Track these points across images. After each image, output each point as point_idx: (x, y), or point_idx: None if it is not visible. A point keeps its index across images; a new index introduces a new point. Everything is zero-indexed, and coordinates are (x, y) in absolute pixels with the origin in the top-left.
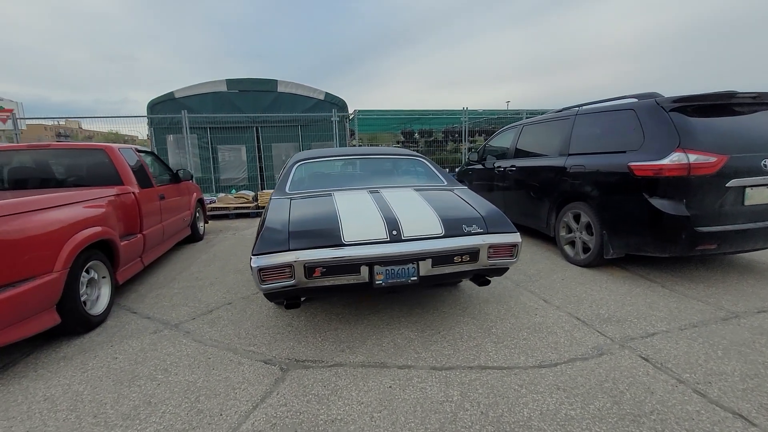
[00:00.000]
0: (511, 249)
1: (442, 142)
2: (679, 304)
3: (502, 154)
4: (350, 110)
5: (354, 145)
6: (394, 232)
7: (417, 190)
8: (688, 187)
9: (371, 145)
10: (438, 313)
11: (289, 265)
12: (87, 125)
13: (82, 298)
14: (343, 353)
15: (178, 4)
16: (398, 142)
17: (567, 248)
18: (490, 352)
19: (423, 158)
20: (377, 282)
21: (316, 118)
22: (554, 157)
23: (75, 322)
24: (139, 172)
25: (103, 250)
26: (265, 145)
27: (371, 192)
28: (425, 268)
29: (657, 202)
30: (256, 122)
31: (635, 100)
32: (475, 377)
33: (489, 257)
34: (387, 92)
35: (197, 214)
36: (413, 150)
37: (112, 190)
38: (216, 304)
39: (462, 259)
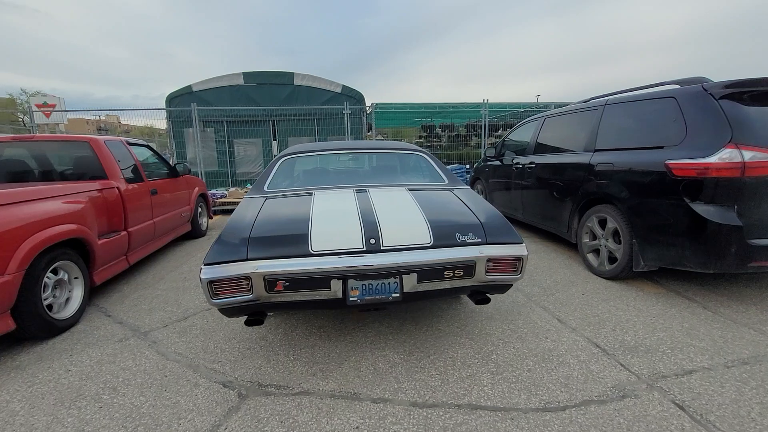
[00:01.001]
0: (515, 263)
1: (466, 137)
2: (725, 332)
3: (521, 150)
4: (368, 103)
5: (370, 139)
6: (372, 241)
7: (411, 189)
8: (740, 191)
9: (394, 140)
10: (432, 331)
11: (247, 277)
12: (125, 120)
13: (47, 302)
14: (314, 378)
15: (212, 3)
16: (420, 137)
17: (590, 257)
18: (485, 386)
19: (423, 153)
20: (351, 298)
21: (333, 112)
22: (578, 154)
23: (35, 327)
24: (128, 165)
25: (76, 249)
26: (281, 138)
27: (358, 191)
28: (410, 283)
29: (700, 208)
30: (272, 115)
31: (677, 86)
32: (462, 420)
33: (487, 272)
34: (413, 86)
35: (199, 210)
36: (436, 145)
37: (93, 185)
38: (194, 310)
39: (454, 273)
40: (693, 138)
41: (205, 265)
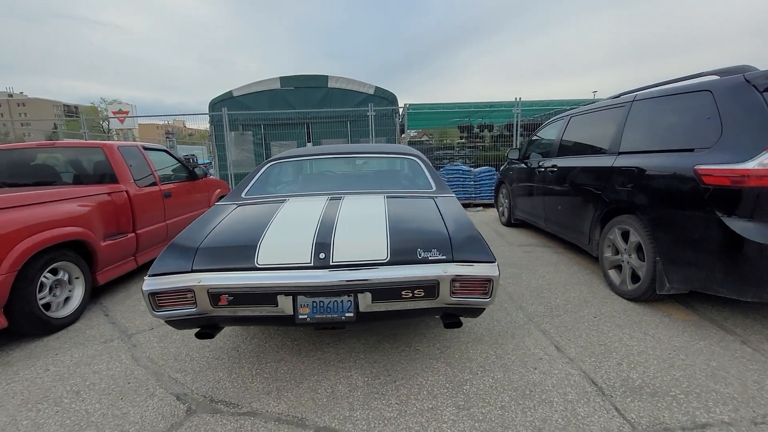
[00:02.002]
0: (484, 285)
1: (508, 137)
2: (764, 377)
3: (546, 152)
4: (401, 104)
5: (403, 142)
6: (322, 255)
7: (391, 197)
8: None
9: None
10: (409, 351)
11: (190, 290)
12: (190, 124)
13: (45, 300)
14: (267, 397)
15: (270, 12)
16: (461, 138)
17: (612, 273)
18: (444, 423)
19: (416, 158)
20: (301, 316)
21: (365, 114)
22: (601, 156)
23: (29, 325)
24: (141, 170)
25: (78, 250)
26: (315, 140)
27: (332, 199)
28: (365, 303)
29: (736, 224)
30: (306, 118)
31: (716, 77)
32: None
33: (453, 293)
34: (461, 86)
35: None
36: (479, 146)
37: (101, 189)
38: None
39: (414, 294)
40: (729, 139)
41: (148, 276)
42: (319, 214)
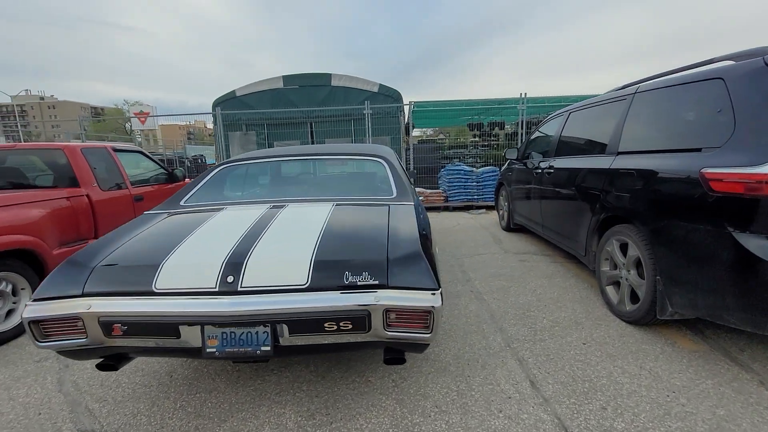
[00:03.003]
0: (423, 317)
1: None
2: None
3: (545, 151)
4: (406, 102)
5: (406, 142)
6: (230, 279)
7: (340, 205)
8: None
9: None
10: (359, 383)
11: (77, 318)
12: (210, 124)
13: None
14: None
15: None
16: (474, 136)
17: (609, 290)
18: None
19: (382, 159)
20: (209, 349)
21: (372, 112)
22: (599, 157)
23: None
24: (107, 173)
25: (26, 259)
26: (318, 140)
27: (274, 207)
28: (284, 334)
29: (751, 242)
30: (309, 117)
31: (730, 62)
32: None
33: (388, 326)
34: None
35: None
36: (493, 144)
37: (58, 193)
38: None
39: (340, 326)
40: (744, 136)
41: (31, 300)
42: (246, 228)
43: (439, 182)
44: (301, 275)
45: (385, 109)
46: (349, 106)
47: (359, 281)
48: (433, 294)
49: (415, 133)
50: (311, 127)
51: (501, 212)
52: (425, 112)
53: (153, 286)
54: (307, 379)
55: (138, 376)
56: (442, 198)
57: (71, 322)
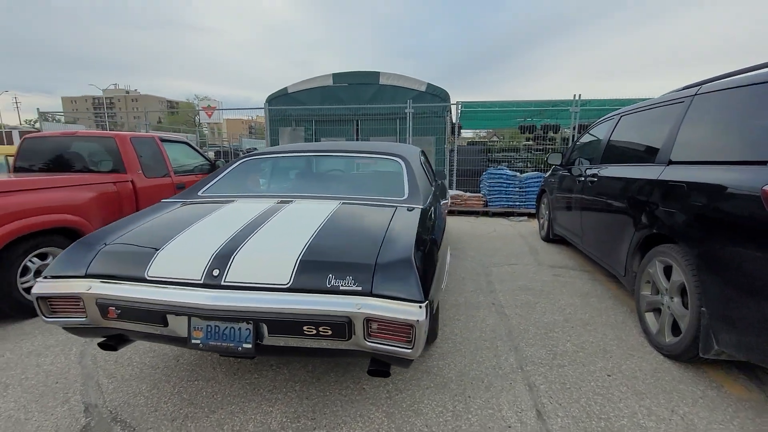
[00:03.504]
0: (406, 331)
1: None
2: None
3: (591, 158)
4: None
5: (451, 143)
6: (215, 273)
7: (347, 203)
8: None
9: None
10: (352, 390)
11: (78, 298)
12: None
13: (28, 284)
14: (168, 425)
15: (351, 13)
16: (528, 139)
17: (649, 318)
18: None
19: (402, 160)
20: (194, 340)
21: (416, 111)
22: (648, 166)
23: (8, 306)
24: (153, 161)
25: (71, 236)
26: (363, 137)
27: (281, 202)
28: (266, 334)
29: None
30: (357, 115)
31: None
32: None
33: (369, 336)
34: (537, 85)
35: None
36: (547, 149)
37: (106, 178)
38: None
39: (319, 331)
40: None
41: (42, 277)
42: (246, 222)
43: (480, 186)
44: (285, 274)
45: (432, 109)
46: (396, 104)
47: (342, 286)
48: (420, 307)
49: (468, 134)
50: (357, 125)
51: (541, 221)
52: (474, 113)
53: (146, 273)
54: (301, 378)
55: (149, 357)
56: (481, 202)
57: (73, 302)
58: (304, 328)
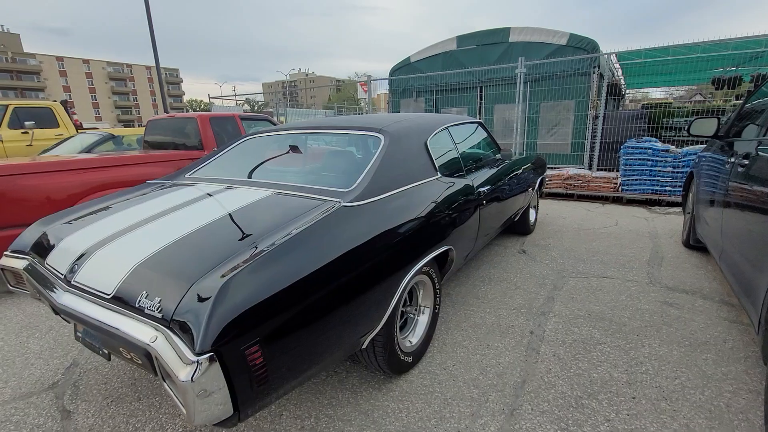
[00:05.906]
0: (182, 387)
1: None
2: None
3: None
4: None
5: (595, 109)
6: (74, 269)
7: (279, 193)
8: None
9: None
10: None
11: (16, 272)
12: None
13: None
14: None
15: None
16: (737, 97)
17: None
18: None
19: (384, 136)
20: (78, 333)
21: (553, 71)
22: None
23: None
24: (231, 139)
25: None
26: (487, 105)
27: (227, 188)
28: None
29: None
30: (481, 81)
31: None
32: None
33: (166, 378)
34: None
35: None
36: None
37: (184, 154)
38: None
39: (132, 356)
40: None
41: (8, 249)
42: (151, 214)
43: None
44: (112, 282)
45: (574, 66)
46: (513, 64)
47: (147, 308)
48: (196, 361)
49: (636, 95)
50: (481, 92)
51: (686, 217)
52: (640, 68)
53: (46, 258)
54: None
55: None
56: (611, 185)
57: (17, 274)
58: (120, 348)
